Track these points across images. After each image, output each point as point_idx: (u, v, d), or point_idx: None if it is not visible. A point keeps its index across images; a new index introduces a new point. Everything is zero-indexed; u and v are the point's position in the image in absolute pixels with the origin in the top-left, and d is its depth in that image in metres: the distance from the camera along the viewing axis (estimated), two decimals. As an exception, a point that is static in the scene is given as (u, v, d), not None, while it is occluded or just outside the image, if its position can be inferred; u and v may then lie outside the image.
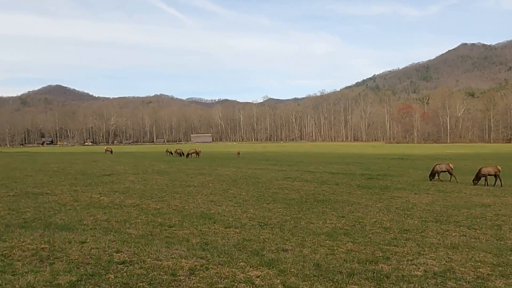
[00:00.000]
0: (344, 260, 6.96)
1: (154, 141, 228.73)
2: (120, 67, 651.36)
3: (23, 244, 6.98)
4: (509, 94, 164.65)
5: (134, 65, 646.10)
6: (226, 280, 5.54)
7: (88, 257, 6.31)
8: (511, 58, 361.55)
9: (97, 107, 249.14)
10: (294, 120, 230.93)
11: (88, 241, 7.43)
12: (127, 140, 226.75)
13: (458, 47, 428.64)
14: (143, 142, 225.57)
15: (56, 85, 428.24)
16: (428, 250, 7.80)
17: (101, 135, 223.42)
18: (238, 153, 54.72)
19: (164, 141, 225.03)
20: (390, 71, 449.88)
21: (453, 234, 9.41)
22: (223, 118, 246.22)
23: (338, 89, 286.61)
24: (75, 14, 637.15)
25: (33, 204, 12.33)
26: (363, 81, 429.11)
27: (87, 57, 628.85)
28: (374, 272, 6.24)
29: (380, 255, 7.37)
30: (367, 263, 6.81)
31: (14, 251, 6.51)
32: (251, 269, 6.05)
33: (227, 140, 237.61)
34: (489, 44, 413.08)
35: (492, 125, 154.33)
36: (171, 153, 57.25)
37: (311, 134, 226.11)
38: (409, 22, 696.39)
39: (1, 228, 8.55)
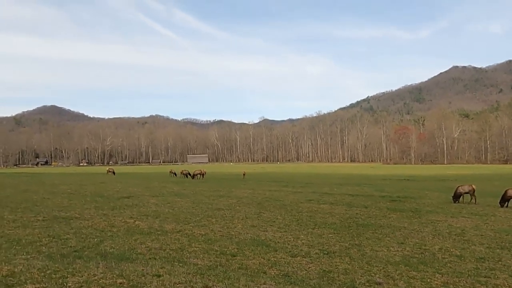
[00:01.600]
0: (450, 294, 6.35)
1: (150, 161, 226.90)
2: (115, 88, 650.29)
3: (95, 278, 6.28)
4: (504, 116, 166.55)
5: (129, 85, 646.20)
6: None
7: (179, 294, 5.64)
8: (501, 80, 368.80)
9: (93, 128, 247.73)
10: (290, 140, 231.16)
11: (161, 274, 6.74)
12: (122, 161, 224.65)
13: (450, 69, 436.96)
14: (139, 162, 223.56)
15: (51, 105, 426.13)
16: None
17: (96, 155, 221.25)
18: (244, 174, 53.97)
19: (160, 162, 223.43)
20: (384, 92, 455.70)
21: (535, 263, 8.82)
22: (219, 139, 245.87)
23: (333, 110, 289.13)
24: (70, 34, 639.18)
25: (69, 230, 11.59)
26: (357, 102, 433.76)
27: (83, 77, 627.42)
28: (496, 310, 5.63)
29: (483, 288, 6.78)
30: (478, 298, 6.21)
31: (93, 287, 5.82)
32: (365, 307, 5.40)
33: (223, 161, 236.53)
34: (479, 67, 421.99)
35: (488, 146, 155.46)
36: (175, 174, 56.41)
37: (308, 155, 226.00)
38: (401, 45, 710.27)
39: (57, 258, 7.83)
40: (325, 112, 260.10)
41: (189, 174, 51.68)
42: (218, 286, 6.05)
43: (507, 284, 7.05)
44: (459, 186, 24.76)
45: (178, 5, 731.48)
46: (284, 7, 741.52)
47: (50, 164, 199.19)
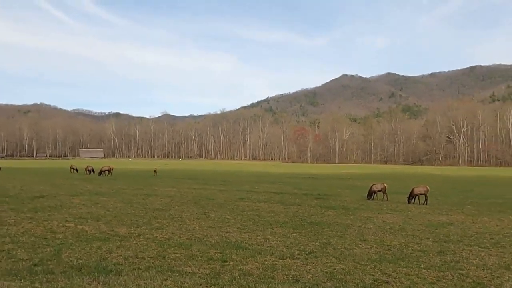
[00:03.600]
0: (453, 288, 6.86)
1: (34, 155, 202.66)
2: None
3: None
4: (384, 122, 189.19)
5: (8, 68, 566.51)
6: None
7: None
8: (381, 90, 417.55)
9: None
10: (193, 137, 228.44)
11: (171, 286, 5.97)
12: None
13: (340, 77, 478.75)
14: (21, 156, 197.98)
15: None
16: (507, 272, 8.16)
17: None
18: (155, 171, 51.55)
19: (46, 156, 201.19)
20: (282, 94, 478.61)
21: (483, 254, 10.06)
22: (116, 133, 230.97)
23: (234, 109, 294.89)
24: None
25: (2, 238, 9.62)
26: (258, 102, 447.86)
27: None
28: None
29: (471, 280, 7.48)
30: (475, 290, 6.82)
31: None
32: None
33: (121, 156, 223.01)
34: (365, 76, 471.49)
35: (372, 148, 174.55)
36: (77, 170, 51.35)
37: (210, 152, 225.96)
38: (300, 50, 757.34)
39: (25, 275, 6.39)
40: (228, 110, 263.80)
41: (93, 171, 47.51)
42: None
43: (483, 275, 7.90)
44: (372, 185, 27.13)
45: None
46: (190, 1, 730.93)
47: None
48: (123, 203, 18.07)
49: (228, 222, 13.92)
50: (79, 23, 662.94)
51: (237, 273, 7.34)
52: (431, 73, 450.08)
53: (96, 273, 6.77)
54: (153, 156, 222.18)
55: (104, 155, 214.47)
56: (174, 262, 8.01)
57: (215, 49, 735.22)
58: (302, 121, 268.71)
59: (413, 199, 24.37)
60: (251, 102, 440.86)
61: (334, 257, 9.17)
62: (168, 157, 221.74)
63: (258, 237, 11.25)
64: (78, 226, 11.70)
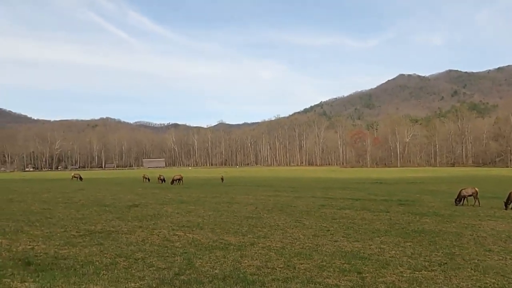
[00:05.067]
0: None
1: (103, 166, 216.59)
2: (61, 89, 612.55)
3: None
4: (449, 121, 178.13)
5: (77, 86, 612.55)
6: None
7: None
8: (443, 88, 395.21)
9: (39, 131, 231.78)
10: (249, 144, 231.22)
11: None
12: (73, 165, 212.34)
13: (397, 77, 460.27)
14: (91, 167, 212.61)
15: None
16: None
17: (44, 160, 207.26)
18: (222, 179, 52.58)
19: (114, 166, 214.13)
20: (336, 98, 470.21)
21: None
22: (176, 143, 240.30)
23: (288, 115, 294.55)
24: (10, 32, 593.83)
25: (127, 246, 10.09)
26: (311, 107, 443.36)
27: (25, 77, 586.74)
28: None
29: None
30: None
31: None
32: None
33: (181, 165, 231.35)
34: (423, 75, 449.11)
35: (437, 150, 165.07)
36: (149, 179, 53.83)
37: (266, 159, 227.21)
38: (351, 53, 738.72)
39: (177, 283, 6.52)
40: (282, 117, 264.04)
41: (164, 180, 49.47)
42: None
43: None
44: (462, 189, 25.30)
45: (132, 7, 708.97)
46: (238, 13, 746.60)
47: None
48: (212, 211, 18.40)
49: (328, 230, 13.56)
50: (139, 41, 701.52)
51: (383, 286, 6.98)
52: (498, 68, 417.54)
53: (241, 284, 6.76)
54: (211, 164, 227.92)
55: (166, 164, 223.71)
56: (309, 273, 7.82)
57: (265, 56, 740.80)
58: (358, 124, 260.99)
59: (511, 204, 22.43)
60: (304, 108, 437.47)
61: (471, 269, 8.48)
62: (225, 164, 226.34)
63: (372, 247, 10.78)
64: (187, 234, 11.99)
